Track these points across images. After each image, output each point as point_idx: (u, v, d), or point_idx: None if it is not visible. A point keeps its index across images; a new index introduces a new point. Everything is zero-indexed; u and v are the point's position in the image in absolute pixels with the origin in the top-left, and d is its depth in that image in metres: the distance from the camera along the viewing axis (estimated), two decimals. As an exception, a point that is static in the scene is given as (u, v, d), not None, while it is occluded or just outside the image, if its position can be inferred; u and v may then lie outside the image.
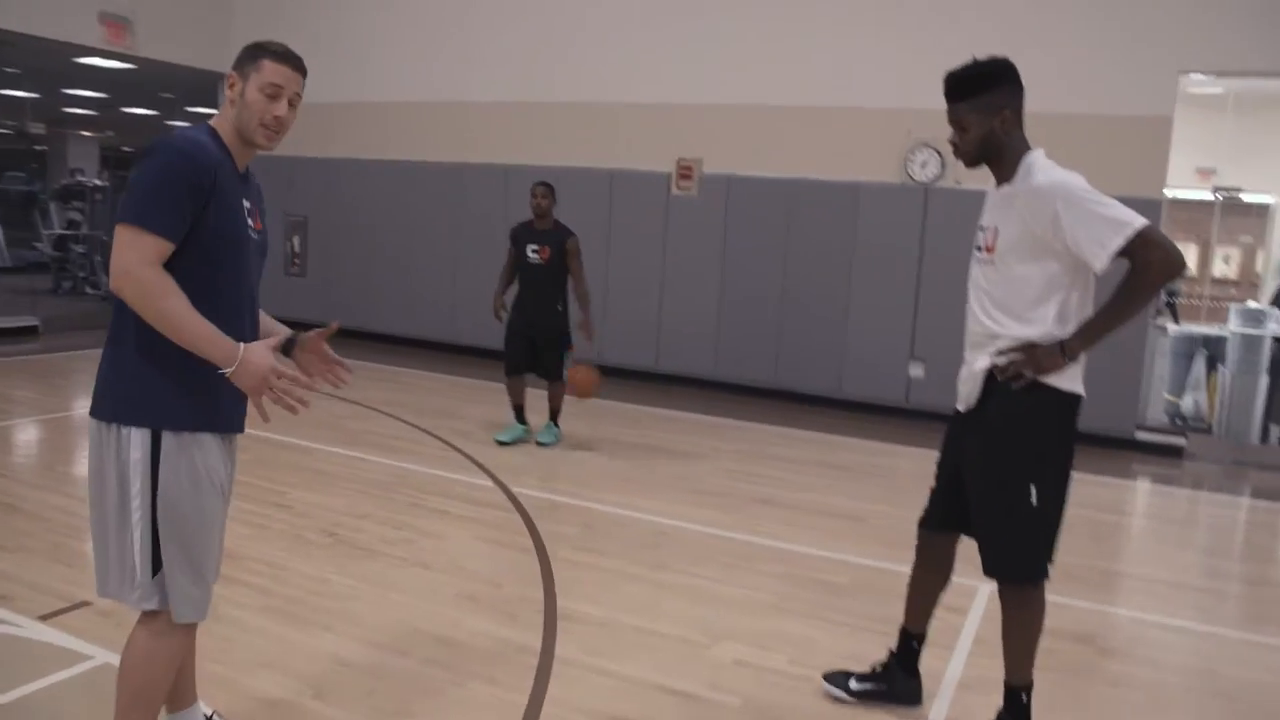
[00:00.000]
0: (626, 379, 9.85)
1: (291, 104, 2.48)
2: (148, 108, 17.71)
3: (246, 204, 2.51)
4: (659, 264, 9.74)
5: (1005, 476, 3.00)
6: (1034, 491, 2.95)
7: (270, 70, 2.44)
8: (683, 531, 5.30)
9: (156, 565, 2.42)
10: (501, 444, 6.90)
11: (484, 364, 10.18)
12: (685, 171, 9.63)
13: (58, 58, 11.91)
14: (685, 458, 6.97)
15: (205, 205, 2.32)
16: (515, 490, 5.85)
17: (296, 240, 11.91)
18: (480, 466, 6.35)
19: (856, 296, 8.88)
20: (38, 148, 20.37)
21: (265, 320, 2.74)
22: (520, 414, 7.11)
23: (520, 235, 6.98)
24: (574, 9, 10.12)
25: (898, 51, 8.60)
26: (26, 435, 6.63)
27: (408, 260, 11.07)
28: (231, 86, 2.46)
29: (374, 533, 5.00)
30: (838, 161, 8.94)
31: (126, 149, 21.96)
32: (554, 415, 7.12)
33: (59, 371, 9.00)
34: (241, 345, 2.33)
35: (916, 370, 8.73)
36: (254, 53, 2.47)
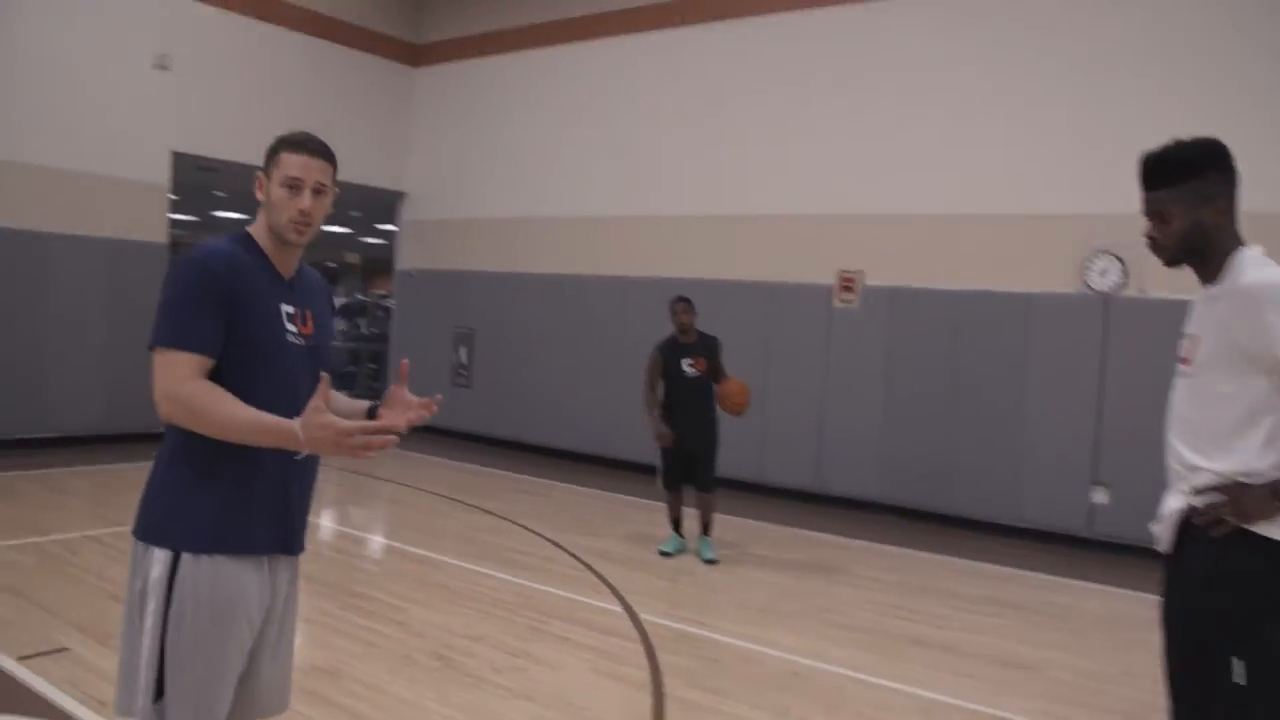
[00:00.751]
0: (784, 499, 9.38)
1: (318, 193, 2.35)
2: (341, 225, 18.76)
3: (289, 309, 2.37)
4: (820, 380, 9.32)
5: (1203, 646, 2.40)
6: (1240, 668, 2.33)
7: (287, 162, 2.32)
8: (818, 673, 4.78)
9: (159, 691, 2.23)
10: (665, 555, 6.88)
11: (635, 478, 9.94)
12: (847, 284, 9.26)
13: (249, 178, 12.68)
14: (835, 586, 6.43)
15: (232, 315, 2.22)
16: (643, 617, 5.47)
17: (463, 351, 12.11)
18: (611, 589, 6.02)
19: (1032, 415, 8.18)
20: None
21: (351, 403, 2.60)
22: (678, 525, 7.06)
23: (671, 352, 6.97)
24: (735, 122, 10.04)
25: (1075, 153, 8.06)
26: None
27: (569, 373, 11.03)
28: (260, 188, 2.37)
29: (486, 658, 4.71)
30: (1009, 271, 8.38)
31: (330, 264, 23.32)
32: (708, 528, 6.94)
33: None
34: (296, 420, 2.12)
35: (1100, 496, 7.90)
36: (274, 147, 2.37)
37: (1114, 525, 7.79)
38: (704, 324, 9.90)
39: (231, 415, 2.14)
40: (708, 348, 6.97)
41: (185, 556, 2.23)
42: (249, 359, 2.25)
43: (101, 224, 10.00)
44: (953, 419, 8.56)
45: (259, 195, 2.37)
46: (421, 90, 12.90)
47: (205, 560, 2.24)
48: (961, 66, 8.66)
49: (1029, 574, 7.10)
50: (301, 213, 2.32)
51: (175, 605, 2.22)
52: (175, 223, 12.80)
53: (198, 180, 12.53)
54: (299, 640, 4.65)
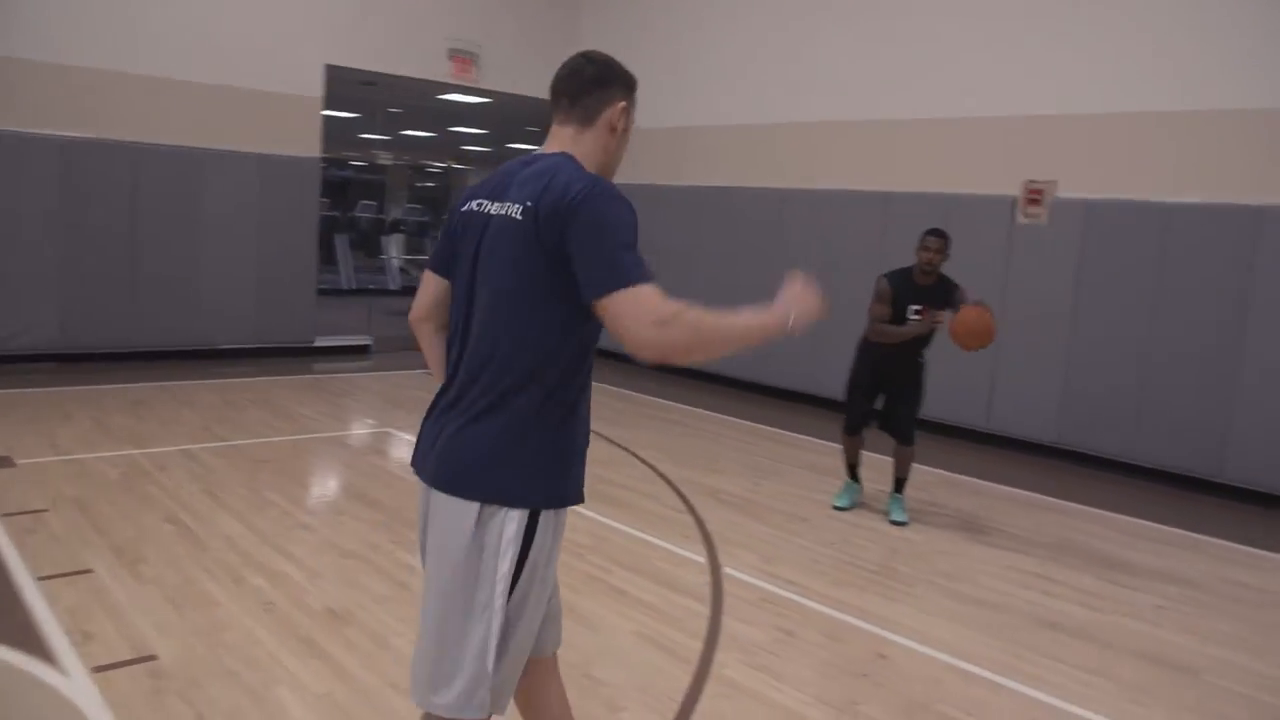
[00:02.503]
0: (947, 437, 8.34)
1: None
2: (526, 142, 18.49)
3: None
4: (998, 305, 8.08)
5: None
6: None
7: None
8: (911, 658, 3.93)
9: (500, 655, 2.07)
10: (840, 509, 6.00)
11: (789, 409, 9.12)
12: (1034, 196, 7.99)
13: (416, 94, 12.47)
14: (973, 545, 5.47)
15: None
16: (727, 571, 4.76)
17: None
18: (705, 535, 5.32)
19: (1254, 354, 6.77)
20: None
21: None
22: (855, 472, 6.14)
23: (902, 289, 5.74)
24: (907, 17, 8.82)
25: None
26: (264, 455, 6.53)
27: (727, 290, 10.22)
28: (624, 112, 2.21)
29: (519, 611, 4.14)
30: (1232, 177, 6.91)
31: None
32: (901, 485, 5.99)
33: (349, 392, 9.13)
34: (777, 306, 2.08)
35: (1334, 455, 6.48)
36: (634, 83, 2.26)
37: (1349, 489, 6.40)
38: (867, 240, 9.02)
39: (731, 322, 1.98)
40: (943, 298, 5.66)
41: (544, 514, 2.07)
42: None
43: (255, 139, 9.95)
44: (1151, 356, 7.25)
45: (617, 122, 2.20)
46: (587, -4, 12.22)
47: (555, 515, 2.11)
48: (1182, -72, 7.14)
49: (1218, 543, 5.86)
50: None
51: (530, 563, 2.06)
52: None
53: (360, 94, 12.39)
54: (326, 580, 4.23)
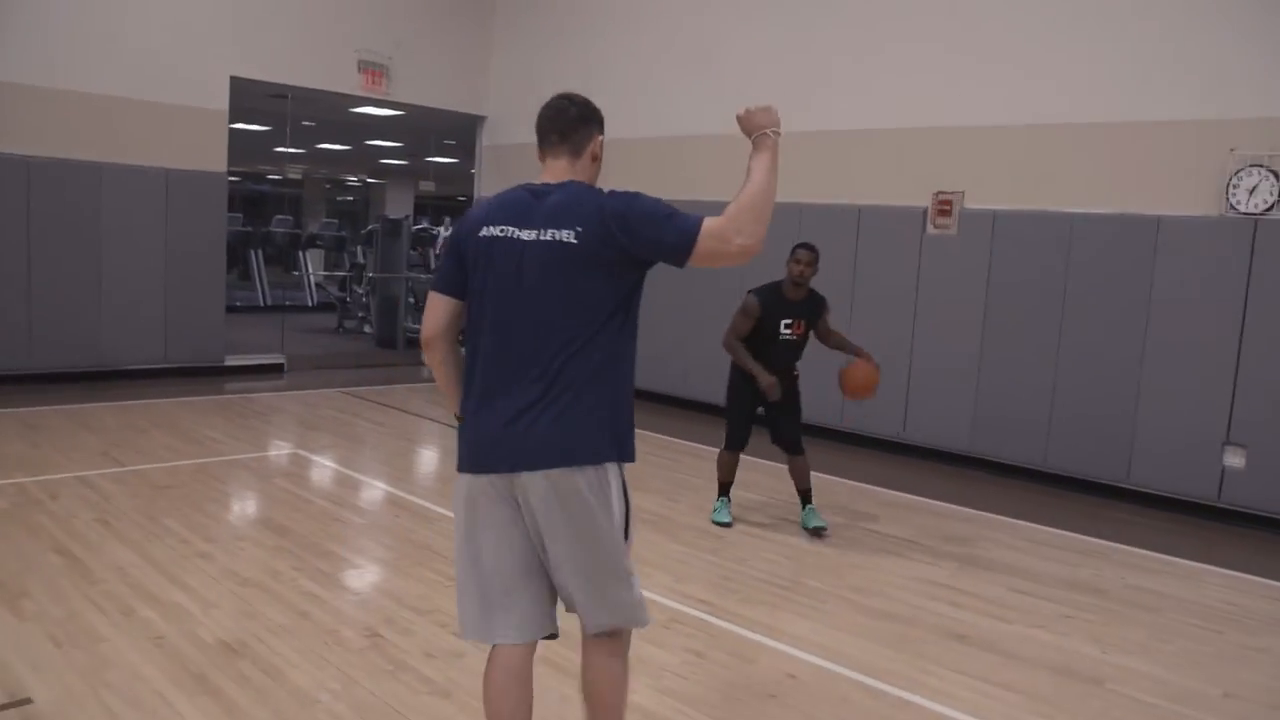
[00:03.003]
0: (866, 448, 8.39)
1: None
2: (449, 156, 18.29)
3: None
4: (909, 314, 8.22)
5: None
6: None
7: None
8: (820, 677, 3.90)
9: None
10: (723, 525, 5.91)
11: (691, 418, 9.12)
12: (943, 207, 8.09)
13: (327, 107, 12.25)
14: (882, 557, 5.49)
15: None
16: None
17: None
18: (617, 554, 5.24)
19: (1154, 361, 6.93)
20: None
21: None
22: (727, 489, 6.09)
23: (771, 305, 5.72)
24: (819, 30, 8.90)
25: (1215, 45, 6.69)
26: (165, 480, 6.30)
27: (646, 305, 10.17)
28: (601, 144, 2.74)
29: (423, 639, 4.03)
30: (1133, 190, 7.07)
31: (437, 196, 23.01)
32: (809, 495, 5.95)
33: (259, 413, 8.90)
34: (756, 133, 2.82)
35: (1234, 459, 6.64)
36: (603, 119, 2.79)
37: (1248, 492, 6.56)
38: (779, 253, 9.01)
39: (756, 180, 2.67)
40: (813, 312, 5.81)
41: (626, 465, 2.56)
42: None
43: (159, 153, 9.66)
44: (1060, 364, 7.37)
45: (598, 152, 2.73)
46: (502, 7, 12.11)
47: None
48: (1080, -54, 7.31)
49: (1125, 549, 5.95)
50: None
51: (631, 505, 2.61)
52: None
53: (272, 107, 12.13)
54: (222, 611, 4.07)
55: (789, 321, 5.69)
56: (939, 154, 8.07)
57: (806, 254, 5.71)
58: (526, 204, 2.52)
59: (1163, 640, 4.49)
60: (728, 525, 5.91)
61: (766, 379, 5.59)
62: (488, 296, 2.50)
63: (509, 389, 2.46)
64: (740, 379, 5.85)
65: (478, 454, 2.51)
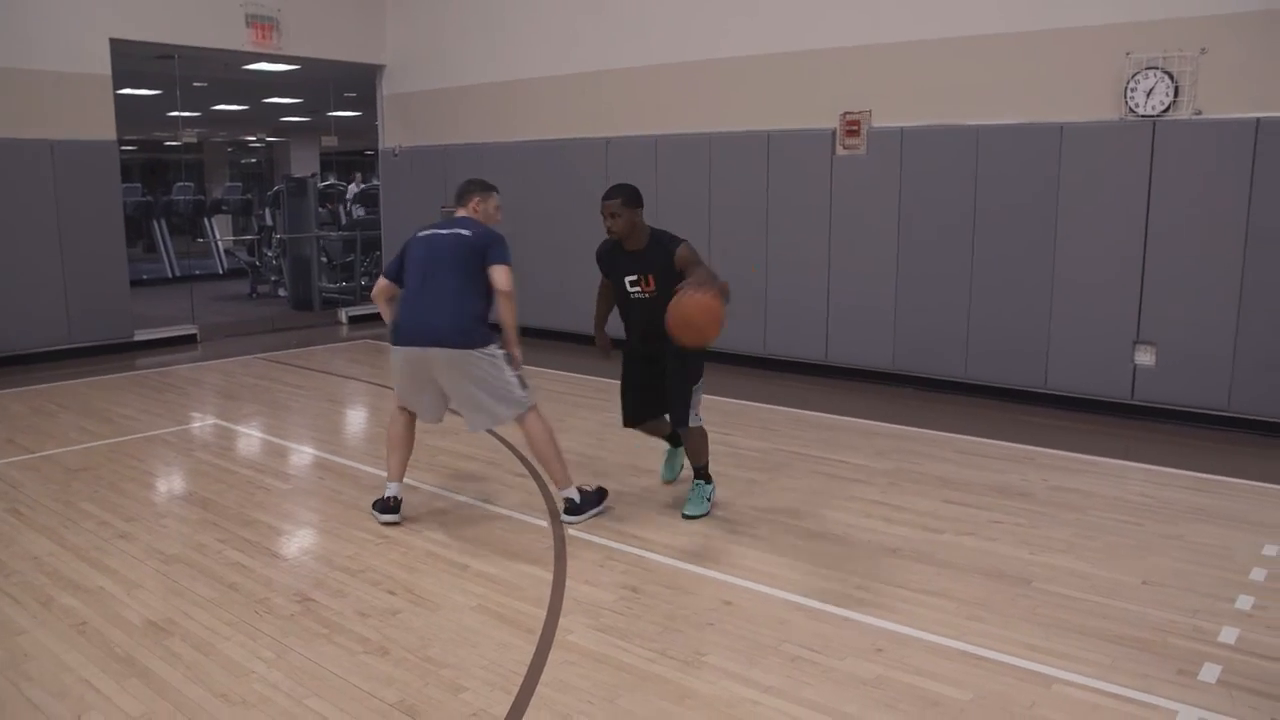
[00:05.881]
0: (789, 372, 8.46)
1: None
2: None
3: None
4: (824, 237, 8.24)
5: None
6: None
7: None
8: (756, 601, 3.93)
9: (523, 387, 4.72)
10: (690, 519, 4.90)
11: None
12: (851, 127, 8.09)
13: (219, 65, 11.80)
14: (816, 479, 5.55)
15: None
16: (572, 534, 4.68)
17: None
18: (547, 498, 5.23)
19: (1064, 266, 7.05)
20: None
21: None
22: (671, 440, 5.41)
23: (611, 261, 4.90)
24: (718, -50, 8.77)
25: (1106, -51, 6.73)
26: (78, 463, 6.09)
27: (561, 248, 10.07)
28: (484, 200, 4.95)
29: (355, 599, 3.97)
30: (1034, 99, 7.14)
31: (343, 152, 22.38)
32: (701, 471, 5.02)
33: (174, 386, 8.65)
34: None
35: (1144, 356, 6.82)
36: (491, 187, 5.07)
37: (1159, 389, 6.76)
38: (692, 182, 8.99)
39: (510, 322, 4.79)
40: (660, 260, 4.69)
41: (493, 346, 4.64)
42: None
43: (42, 124, 9.21)
44: (974, 274, 7.47)
45: (478, 208, 4.92)
46: (392, -50, 11.73)
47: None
48: None
49: (1048, 453, 6.10)
50: None
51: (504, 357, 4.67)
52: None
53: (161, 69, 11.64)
54: (147, 590, 3.95)
55: (633, 278, 4.78)
56: (844, 75, 8.04)
57: (608, 203, 4.73)
58: (447, 224, 4.79)
59: (1087, 537, 4.61)
60: (671, 483, 5.44)
61: (599, 340, 5.27)
62: (418, 266, 4.69)
63: (419, 303, 4.65)
64: (625, 350, 5.10)
65: (409, 337, 4.63)
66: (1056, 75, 7.02)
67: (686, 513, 4.88)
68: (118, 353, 9.85)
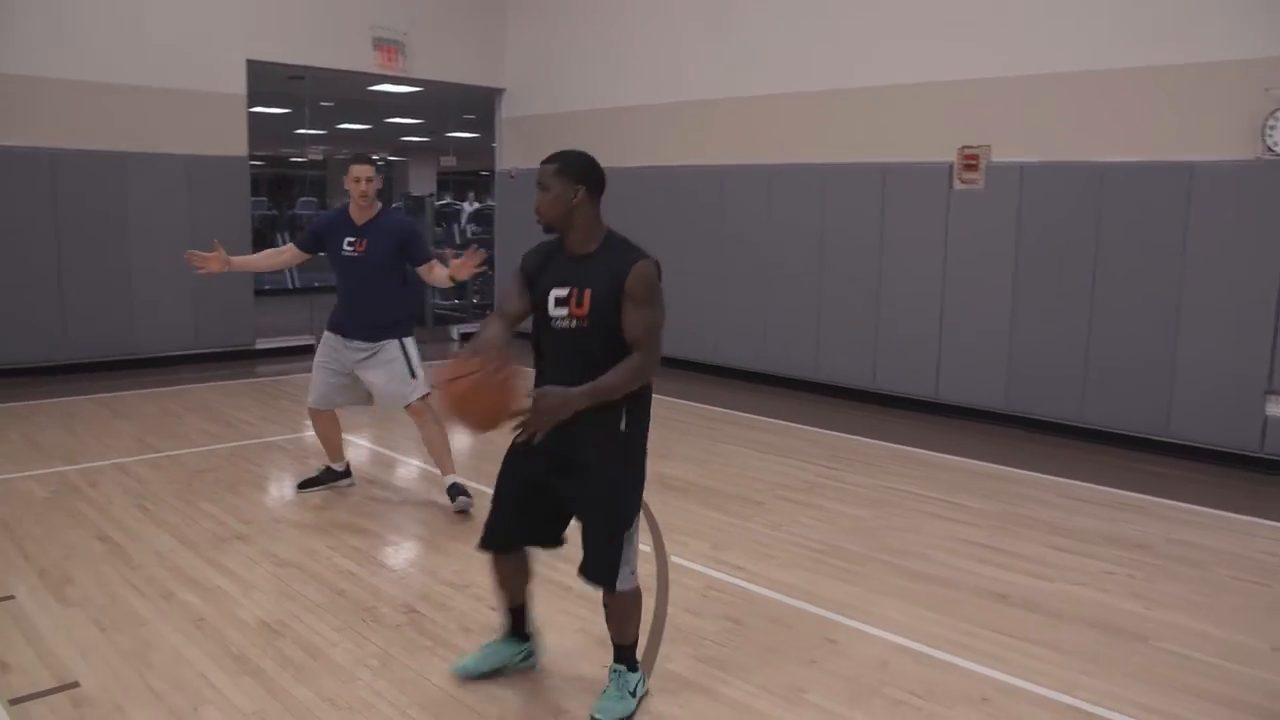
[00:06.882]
0: (898, 408, 8.33)
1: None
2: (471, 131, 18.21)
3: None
4: (939, 272, 8.12)
5: None
6: None
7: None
8: (859, 640, 3.87)
9: (415, 372, 5.40)
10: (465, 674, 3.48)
11: (740, 388, 9.06)
12: (970, 161, 7.96)
13: (346, 86, 12.22)
14: (922, 519, 5.44)
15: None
16: (675, 560, 4.68)
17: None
18: (652, 522, 5.23)
19: (1191, 310, 6.79)
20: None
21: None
22: (517, 618, 3.51)
23: (540, 266, 3.24)
24: (839, -19, 8.76)
25: (1247, -15, 6.51)
26: (200, 464, 6.34)
27: (667, 273, 10.08)
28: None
29: (460, 613, 4.03)
30: (1163, 136, 6.92)
31: (459, 171, 22.92)
32: (626, 652, 3.29)
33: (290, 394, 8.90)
34: None
35: (1276, 408, 6.52)
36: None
37: (1292, 442, 6.46)
38: (805, 213, 8.93)
39: None
40: (606, 272, 3.14)
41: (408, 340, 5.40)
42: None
43: (180, 139, 9.68)
44: (1094, 317, 7.25)
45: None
46: (516, -23, 12.02)
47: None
48: (1105, -112, 7.12)
49: (1168, 504, 5.86)
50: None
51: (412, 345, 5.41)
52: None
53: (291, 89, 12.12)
54: (261, 592, 4.09)
55: (562, 293, 3.11)
56: (963, 108, 7.93)
57: (541, 169, 3.15)
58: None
59: (1208, 595, 4.42)
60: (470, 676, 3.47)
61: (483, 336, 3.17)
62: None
63: (349, 305, 5.46)
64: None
65: (337, 327, 5.42)
66: (1188, 111, 6.80)
67: (596, 716, 3.16)
68: (239, 359, 10.24)
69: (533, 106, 11.89)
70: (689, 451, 6.82)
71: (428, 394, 5.28)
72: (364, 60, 10.90)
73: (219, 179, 9.95)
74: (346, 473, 5.87)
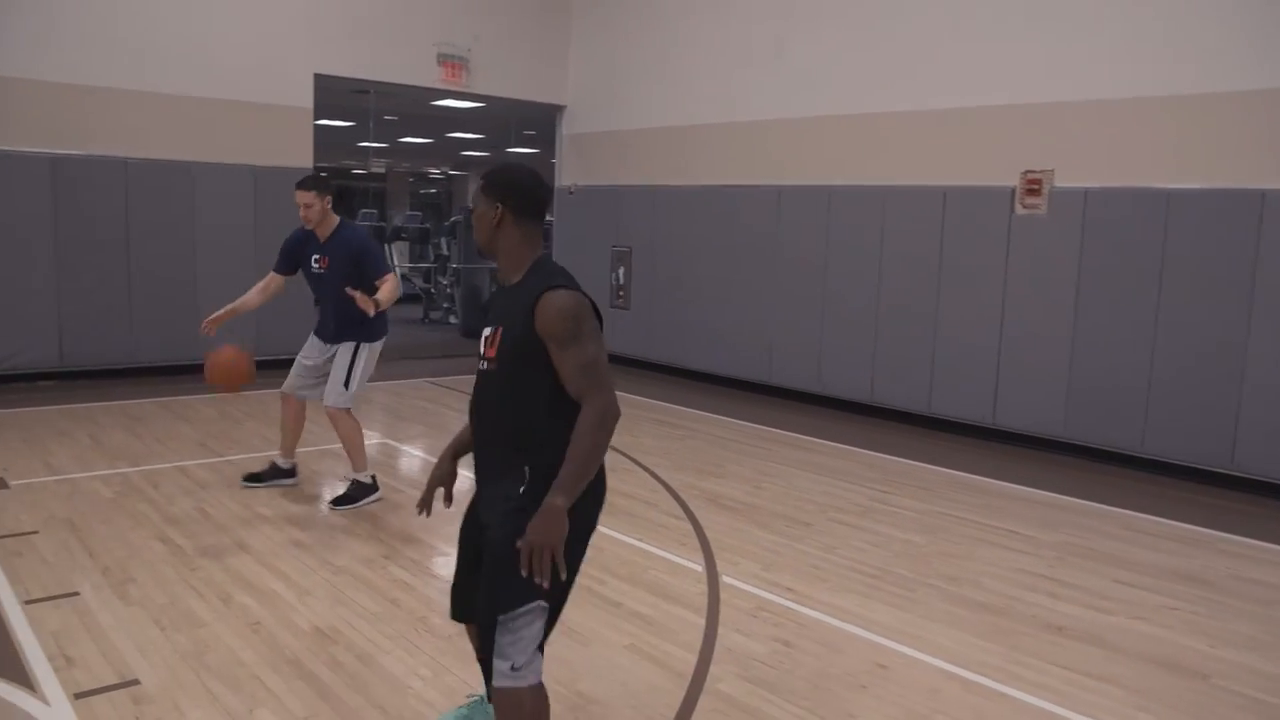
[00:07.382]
0: (953, 432, 8.23)
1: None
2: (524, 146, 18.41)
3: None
4: (998, 296, 8.02)
5: None
6: None
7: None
8: (911, 667, 3.83)
9: (349, 384, 5.64)
10: None
11: (790, 408, 9.02)
12: (1032, 186, 7.87)
13: (410, 101, 12.41)
14: (978, 546, 5.36)
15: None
16: (726, 580, 4.66)
17: (621, 272, 11.44)
18: (704, 541, 5.23)
19: (1260, 341, 6.63)
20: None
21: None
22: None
23: (488, 302, 3.34)
24: (894, 11, 8.72)
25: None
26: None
27: (725, 293, 10.13)
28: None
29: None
30: (1232, 163, 6.79)
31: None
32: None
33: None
34: None
35: (1347, 445, 6.35)
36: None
37: (1363, 479, 6.27)
38: (864, 235, 8.90)
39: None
40: (521, 305, 2.58)
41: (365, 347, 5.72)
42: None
43: (248, 150, 9.90)
44: (1157, 346, 7.12)
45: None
46: (579, -3, 12.15)
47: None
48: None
49: (1231, 539, 5.72)
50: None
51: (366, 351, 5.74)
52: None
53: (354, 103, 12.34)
54: (316, 598, 4.14)
55: (487, 331, 2.72)
56: (1026, 132, 7.85)
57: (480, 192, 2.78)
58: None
59: (1273, 633, 4.31)
60: None
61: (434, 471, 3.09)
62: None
63: (326, 315, 5.84)
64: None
65: (316, 331, 5.86)
66: (1258, 139, 6.67)
67: None
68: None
69: (593, 124, 11.99)
70: (741, 471, 6.81)
71: (349, 408, 5.71)
72: (428, 75, 11.07)
73: (285, 190, 10.07)
74: (292, 472, 6.12)
